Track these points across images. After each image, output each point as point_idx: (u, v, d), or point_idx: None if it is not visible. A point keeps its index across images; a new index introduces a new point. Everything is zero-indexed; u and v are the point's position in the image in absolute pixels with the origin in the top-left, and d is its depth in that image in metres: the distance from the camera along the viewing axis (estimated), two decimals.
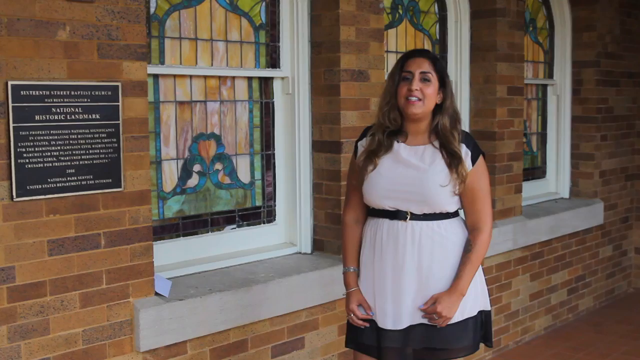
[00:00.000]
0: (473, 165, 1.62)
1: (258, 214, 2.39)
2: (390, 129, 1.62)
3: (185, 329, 1.88)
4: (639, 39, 3.87)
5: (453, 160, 1.59)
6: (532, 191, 3.46)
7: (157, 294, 1.86)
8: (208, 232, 2.24)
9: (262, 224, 2.38)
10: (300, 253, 2.42)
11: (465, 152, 1.62)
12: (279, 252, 2.37)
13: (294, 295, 2.14)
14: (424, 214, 1.60)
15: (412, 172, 1.60)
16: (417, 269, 1.60)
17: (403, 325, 1.61)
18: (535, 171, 3.57)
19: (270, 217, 2.41)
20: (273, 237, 2.40)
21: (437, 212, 1.61)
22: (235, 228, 2.32)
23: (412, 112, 1.59)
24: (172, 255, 2.12)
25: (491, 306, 1.74)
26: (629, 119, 3.87)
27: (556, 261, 3.39)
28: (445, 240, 1.61)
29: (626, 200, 3.92)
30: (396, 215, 1.60)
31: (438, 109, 1.62)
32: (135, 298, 1.79)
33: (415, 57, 1.61)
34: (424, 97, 1.58)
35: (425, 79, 1.58)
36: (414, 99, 1.57)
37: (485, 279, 3.05)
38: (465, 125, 3.03)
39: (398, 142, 1.63)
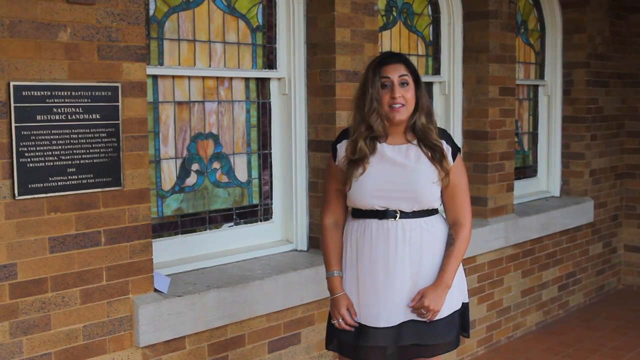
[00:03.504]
0: (453, 162, 1.66)
1: (255, 212, 2.42)
2: (374, 134, 1.63)
3: (183, 324, 1.91)
4: (628, 40, 3.94)
5: (435, 154, 1.62)
6: (523, 189, 3.51)
7: (156, 290, 1.89)
8: (206, 229, 2.27)
9: (259, 222, 2.42)
10: (296, 250, 2.45)
11: (446, 148, 1.65)
12: (276, 250, 2.40)
13: (290, 291, 2.17)
14: (413, 212, 1.63)
15: (400, 170, 1.63)
16: (409, 266, 1.62)
17: (396, 322, 1.62)
18: (527, 170, 3.62)
19: (267, 215, 2.45)
20: (270, 234, 2.44)
21: (425, 208, 1.64)
22: (232, 226, 2.35)
23: (399, 118, 1.62)
24: (170, 253, 2.15)
25: (469, 297, 1.78)
26: (618, 119, 3.93)
27: (547, 258, 3.44)
28: (433, 237, 1.64)
29: (616, 199, 3.98)
30: (385, 214, 1.62)
31: (414, 108, 1.65)
32: (135, 294, 1.82)
33: (390, 64, 1.62)
34: (406, 102, 1.61)
35: (403, 83, 1.61)
36: (397, 105, 1.60)
37: (477, 276, 3.11)
38: (458, 125, 3.08)
39: (380, 142, 1.65)
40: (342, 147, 1.69)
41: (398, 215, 1.62)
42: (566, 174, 3.72)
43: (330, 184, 1.72)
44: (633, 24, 3.93)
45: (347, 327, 1.65)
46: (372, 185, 1.62)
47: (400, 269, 1.62)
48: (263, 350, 2.16)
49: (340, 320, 1.64)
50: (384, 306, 1.62)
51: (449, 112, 3.05)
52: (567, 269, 3.60)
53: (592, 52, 3.65)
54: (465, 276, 1.76)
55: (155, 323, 1.84)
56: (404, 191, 1.62)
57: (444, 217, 1.72)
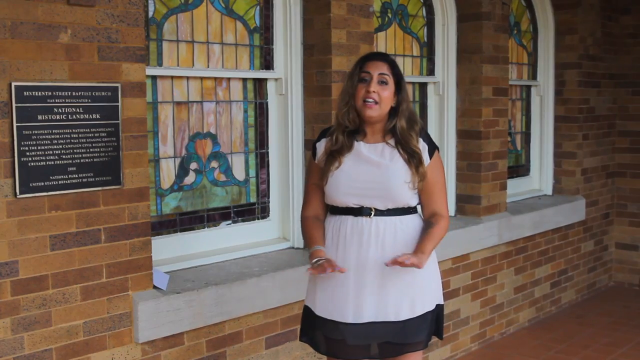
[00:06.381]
0: (430, 159, 1.66)
1: (252, 210, 2.45)
2: (349, 128, 1.64)
3: (182, 321, 1.93)
4: (619, 41, 3.99)
5: (412, 159, 1.63)
6: (516, 188, 3.56)
7: (155, 287, 1.91)
8: (204, 227, 2.30)
9: (256, 220, 2.44)
10: (293, 248, 2.48)
11: (422, 146, 1.66)
12: (273, 247, 2.43)
13: (287, 288, 2.20)
14: (388, 210, 1.63)
15: (374, 169, 1.63)
16: (381, 264, 1.60)
17: (364, 319, 1.61)
18: (520, 169, 3.67)
19: (264, 213, 2.48)
20: (267, 232, 2.47)
21: (400, 207, 1.64)
22: (230, 224, 2.37)
23: (369, 115, 1.62)
24: (169, 250, 2.17)
25: (444, 300, 1.76)
26: (609, 119, 3.99)
27: (540, 256, 3.49)
28: (407, 235, 1.64)
29: (607, 197, 4.03)
30: (360, 211, 1.62)
31: (394, 112, 1.65)
32: (134, 291, 1.85)
33: (374, 60, 1.64)
34: (380, 100, 1.62)
35: (382, 82, 1.62)
36: (370, 101, 1.61)
37: (471, 273, 3.16)
38: (452, 125, 3.12)
39: (357, 140, 1.66)
40: (321, 146, 1.70)
41: (373, 213, 1.62)
42: (558, 173, 3.76)
43: (309, 179, 1.74)
44: (624, 26, 3.99)
45: (323, 267, 1.54)
46: (346, 182, 1.63)
47: (371, 266, 1.61)
48: (260, 346, 2.19)
49: (320, 261, 1.53)
50: (353, 302, 1.62)
51: (443, 112, 3.09)
52: (559, 266, 3.65)
53: (584, 53, 3.70)
54: (441, 278, 1.75)
55: (154, 319, 1.87)
56: (377, 189, 1.62)
57: (422, 216, 1.73)
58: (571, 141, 3.71)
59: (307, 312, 1.73)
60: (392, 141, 1.66)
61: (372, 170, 1.64)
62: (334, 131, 1.67)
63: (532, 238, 3.40)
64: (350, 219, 1.64)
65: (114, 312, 1.82)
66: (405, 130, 1.64)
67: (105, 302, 1.80)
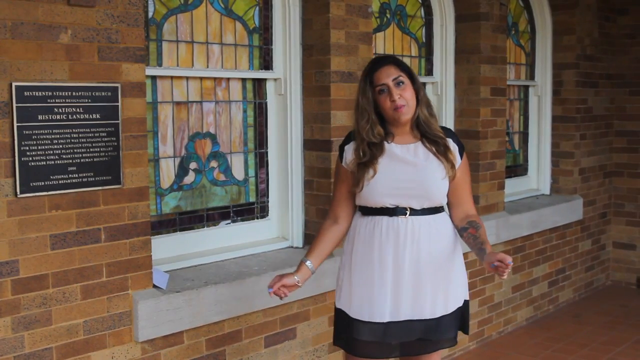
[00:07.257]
0: (461, 159, 1.70)
1: (252, 209, 2.46)
2: (375, 141, 1.64)
3: (182, 319, 1.94)
4: (617, 41, 4.01)
5: (439, 147, 1.65)
6: (514, 188, 3.58)
7: (155, 286, 1.92)
8: (204, 227, 2.31)
9: (255, 219, 2.46)
10: (292, 247, 2.49)
11: (453, 147, 1.69)
12: (272, 246, 2.44)
13: None
14: (423, 209, 1.64)
15: (410, 168, 1.64)
16: (417, 263, 1.63)
17: (401, 317, 1.63)
18: (518, 169, 3.68)
19: (263, 212, 2.49)
20: (266, 231, 2.48)
21: (434, 206, 1.67)
22: (229, 223, 2.39)
23: (405, 118, 1.64)
24: (169, 249, 2.18)
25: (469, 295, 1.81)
26: (607, 119, 4.00)
27: (537, 255, 3.50)
28: (440, 233, 1.67)
29: (604, 197, 4.05)
30: (395, 211, 1.63)
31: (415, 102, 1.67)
32: (134, 290, 1.86)
33: (380, 68, 1.63)
34: (406, 100, 1.63)
35: (399, 83, 1.63)
36: (399, 106, 1.62)
37: (469, 272, 3.16)
38: (450, 125, 3.13)
39: (388, 142, 1.67)
40: (350, 149, 1.70)
41: (408, 213, 1.64)
42: (556, 173, 3.78)
43: (340, 185, 1.72)
44: (621, 26, 4.01)
45: (276, 285, 1.64)
46: (384, 184, 1.63)
47: (408, 265, 1.63)
48: (259, 345, 2.20)
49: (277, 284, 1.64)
50: (391, 301, 1.63)
51: (442, 112, 3.10)
52: (556, 266, 3.67)
53: (582, 54, 3.72)
54: (469, 275, 1.79)
55: (154, 318, 1.88)
56: (415, 189, 1.64)
57: (448, 214, 1.75)
58: (569, 141, 3.73)
59: (341, 316, 1.71)
60: (423, 140, 1.67)
61: (409, 169, 1.64)
62: (358, 146, 1.65)
63: (529, 237, 3.41)
64: (385, 219, 1.64)
65: (114, 311, 1.82)
66: (427, 117, 1.67)
67: (105, 301, 1.81)
